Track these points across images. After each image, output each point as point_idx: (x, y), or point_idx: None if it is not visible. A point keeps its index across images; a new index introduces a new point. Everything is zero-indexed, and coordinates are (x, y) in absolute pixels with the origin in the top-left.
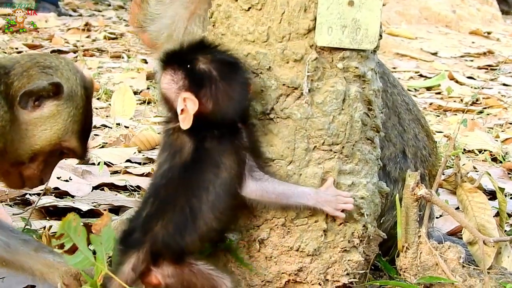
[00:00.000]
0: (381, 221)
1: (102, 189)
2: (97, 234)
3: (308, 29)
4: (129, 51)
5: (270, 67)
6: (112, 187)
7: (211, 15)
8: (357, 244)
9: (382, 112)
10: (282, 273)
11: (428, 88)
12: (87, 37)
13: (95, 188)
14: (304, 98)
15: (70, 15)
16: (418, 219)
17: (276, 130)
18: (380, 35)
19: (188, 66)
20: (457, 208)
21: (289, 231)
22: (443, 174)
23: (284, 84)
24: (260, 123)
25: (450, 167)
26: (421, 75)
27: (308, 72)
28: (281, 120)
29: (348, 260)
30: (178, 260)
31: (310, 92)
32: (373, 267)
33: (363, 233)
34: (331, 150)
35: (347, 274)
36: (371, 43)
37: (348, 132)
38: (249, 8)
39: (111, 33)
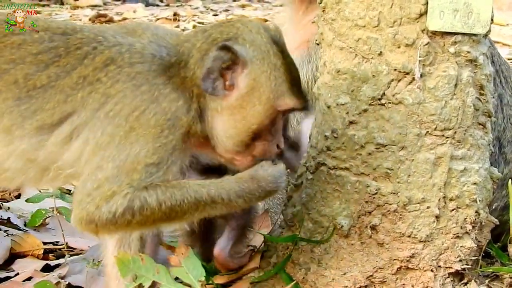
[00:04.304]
0: (493, 207)
1: None
2: (177, 266)
3: (419, 13)
4: None
5: (381, 52)
6: None
7: (321, 1)
8: (469, 230)
9: (494, 97)
10: (394, 259)
11: None
12: (176, 27)
13: None
14: (416, 83)
15: (158, 5)
16: None
17: (387, 115)
18: (492, 19)
19: None
20: None
21: (401, 217)
22: None
23: (395, 69)
24: (371, 109)
25: None
26: None
27: (420, 56)
28: (392, 105)
29: (461, 247)
30: None
31: (422, 77)
32: (484, 254)
33: (475, 219)
34: (443, 135)
35: (460, 260)
36: (483, 27)
37: (460, 117)
38: None
39: (199, 23)
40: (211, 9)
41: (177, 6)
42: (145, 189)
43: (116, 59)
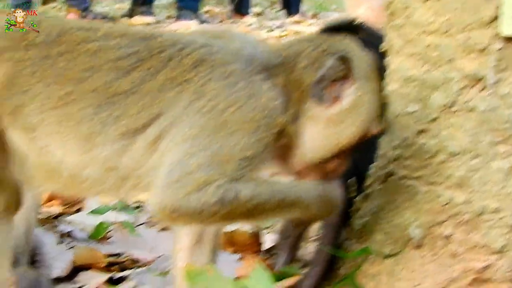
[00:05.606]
0: None
1: None
2: (245, 278)
3: (491, 18)
4: None
5: (451, 58)
6: None
7: (389, 7)
8: None
9: None
10: (468, 270)
11: None
12: None
13: None
14: (488, 90)
15: (210, 23)
16: None
17: (459, 123)
18: None
19: None
20: None
21: (475, 227)
22: None
23: (466, 76)
24: (442, 117)
25: None
26: None
27: (492, 63)
28: (464, 113)
29: None
30: None
31: (495, 83)
32: None
33: None
34: None
35: None
36: None
37: None
38: None
39: None
40: (265, 26)
41: (231, 22)
42: (238, 181)
43: (206, 60)
